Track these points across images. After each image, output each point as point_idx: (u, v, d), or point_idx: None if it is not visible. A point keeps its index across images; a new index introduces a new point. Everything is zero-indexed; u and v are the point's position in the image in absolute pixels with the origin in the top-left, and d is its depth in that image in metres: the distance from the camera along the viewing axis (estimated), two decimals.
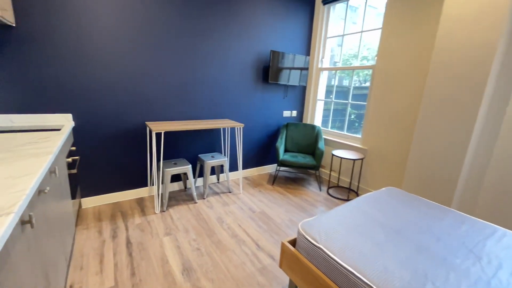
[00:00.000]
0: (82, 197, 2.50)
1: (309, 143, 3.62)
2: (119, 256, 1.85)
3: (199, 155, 3.01)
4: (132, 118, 2.59)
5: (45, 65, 2.09)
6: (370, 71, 3.18)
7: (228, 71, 3.10)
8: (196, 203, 2.76)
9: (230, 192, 3.07)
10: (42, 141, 1.58)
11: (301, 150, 3.65)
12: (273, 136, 3.82)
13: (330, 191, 3.30)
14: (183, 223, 2.34)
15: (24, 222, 0.88)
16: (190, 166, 2.66)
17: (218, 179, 3.38)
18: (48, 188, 1.14)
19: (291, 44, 3.57)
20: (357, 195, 3.22)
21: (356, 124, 3.68)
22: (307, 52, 3.80)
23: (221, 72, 3.05)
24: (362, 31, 3.23)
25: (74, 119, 2.30)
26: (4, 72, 1.96)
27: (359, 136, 3.33)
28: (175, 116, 2.86)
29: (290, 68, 3.49)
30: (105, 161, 2.53)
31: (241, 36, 3.08)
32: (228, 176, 3.03)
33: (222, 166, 3.38)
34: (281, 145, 3.37)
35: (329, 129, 3.76)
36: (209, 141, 3.20)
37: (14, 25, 1.92)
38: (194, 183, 3.17)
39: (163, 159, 2.89)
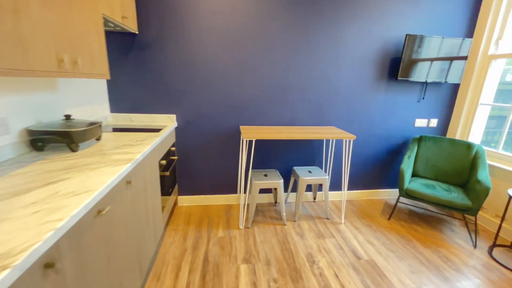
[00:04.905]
0: (179, 195, 2.59)
1: (458, 170, 2.43)
2: (193, 275, 1.68)
3: (294, 168, 2.54)
4: (228, 121, 2.44)
5: (158, 70, 2.20)
6: None
7: (339, 67, 2.45)
8: (284, 225, 2.32)
9: (327, 219, 2.45)
10: (136, 144, 1.56)
11: (441, 178, 2.50)
12: (395, 153, 2.84)
13: (496, 252, 2.05)
14: (265, 250, 1.96)
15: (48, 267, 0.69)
16: (281, 181, 2.24)
17: (314, 198, 2.81)
18: (108, 207, 0.99)
19: (438, 22, 2.48)
20: None
21: None
22: (467, 33, 2.55)
23: (330, 69, 2.44)
24: None
25: (177, 119, 2.37)
26: (127, 75, 2.19)
27: None
28: (272, 121, 2.51)
29: (433, 59, 2.42)
30: (201, 162, 2.52)
31: (358, 18, 2.34)
32: (327, 198, 2.42)
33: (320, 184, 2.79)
34: (408, 168, 2.40)
35: (499, 151, 2.39)
36: (309, 152, 2.67)
37: (137, 33, 2.09)
38: (286, 198, 2.75)
39: (254, 168, 2.62)
